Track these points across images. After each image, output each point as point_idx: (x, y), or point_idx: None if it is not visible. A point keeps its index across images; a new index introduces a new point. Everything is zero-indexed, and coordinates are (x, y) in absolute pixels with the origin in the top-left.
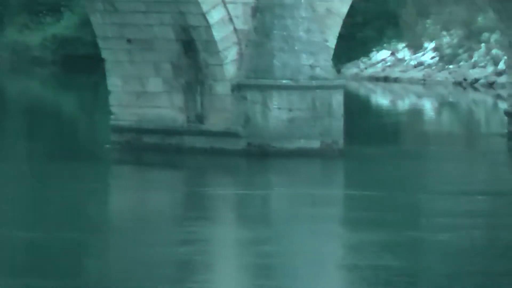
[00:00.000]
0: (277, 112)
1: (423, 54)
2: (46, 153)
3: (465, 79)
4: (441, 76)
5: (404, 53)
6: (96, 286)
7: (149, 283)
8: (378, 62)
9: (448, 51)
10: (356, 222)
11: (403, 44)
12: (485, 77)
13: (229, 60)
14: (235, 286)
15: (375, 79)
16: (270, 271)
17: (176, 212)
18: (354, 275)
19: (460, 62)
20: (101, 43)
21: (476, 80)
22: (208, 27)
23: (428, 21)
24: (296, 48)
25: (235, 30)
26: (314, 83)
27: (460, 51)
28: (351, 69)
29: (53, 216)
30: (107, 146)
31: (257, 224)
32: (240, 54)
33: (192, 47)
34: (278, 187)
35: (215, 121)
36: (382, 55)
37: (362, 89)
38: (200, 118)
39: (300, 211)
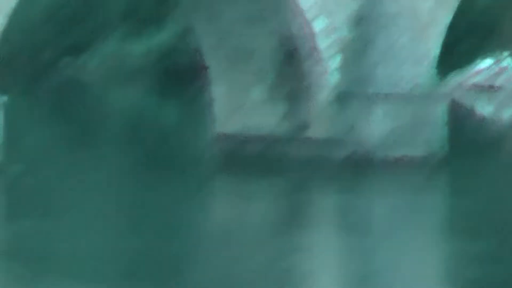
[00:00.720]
0: (381, 121)
1: None
2: (149, 162)
3: None
4: None
5: (508, 61)
6: None
7: None
8: (481, 71)
9: None
10: (467, 231)
11: (507, 53)
12: None
13: (333, 69)
14: None
15: (478, 87)
16: (373, 280)
17: (279, 220)
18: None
19: None
20: (204, 52)
21: None
22: (312, 35)
23: None
24: (399, 57)
25: (339, 38)
26: (417, 92)
27: None
28: (454, 78)
29: (157, 225)
30: (211, 154)
31: (361, 232)
32: (344, 63)
33: (295, 56)
34: (382, 195)
35: (318, 129)
36: (485, 63)
37: (465, 98)
38: (304, 126)
39: (405, 219)
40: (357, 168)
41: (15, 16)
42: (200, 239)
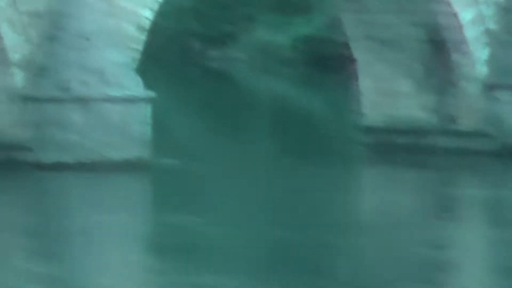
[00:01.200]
0: None
1: None
2: (295, 153)
3: None
4: None
5: None
6: (347, 286)
7: (399, 282)
8: None
9: None
10: None
11: None
12: None
13: (481, 61)
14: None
15: None
16: None
17: (426, 212)
18: None
19: None
20: (352, 43)
21: None
22: (459, 27)
23: None
24: None
25: (487, 30)
26: None
27: None
28: None
29: (305, 216)
30: (359, 146)
31: (510, 225)
32: (492, 55)
33: (443, 47)
34: None
35: (467, 122)
36: None
37: None
38: (452, 119)
39: None
40: (506, 160)
41: (163, 9)
42: (349, 231)
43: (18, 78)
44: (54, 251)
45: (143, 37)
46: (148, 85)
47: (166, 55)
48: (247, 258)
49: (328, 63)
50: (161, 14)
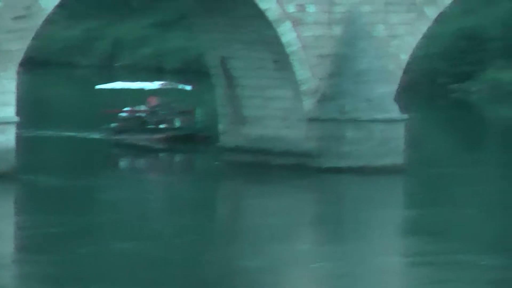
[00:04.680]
0: None
1: None
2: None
3: None
4: None
5: None
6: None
7: None
8: None
9: None
10: None
11: None
12: None
13: None
14: None
15: None
16: None
17: None
18: None
19: None
20: None
21: None
22: None
23: None
24: None
25: None
26: None
27: None
28: None
29: None
30: None
31: None
32: None
33: None
34: None
35: None
36: None
37: None
38: None
39: None
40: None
41: (417, 53)
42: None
43: (306, 103)
44: (340, 235)
45: (400, 73)
46: (404, 109)
47: (418, 88)
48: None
49: None
50: (415, 57)
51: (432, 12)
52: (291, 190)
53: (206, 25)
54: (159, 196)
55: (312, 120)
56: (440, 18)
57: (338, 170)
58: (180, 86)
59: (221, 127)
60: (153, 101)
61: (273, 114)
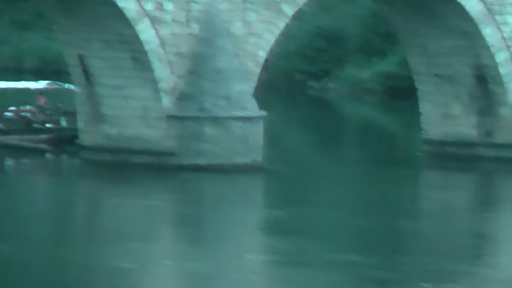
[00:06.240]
0: None
1: None
2: (370, 159)
3: None
4: None
5: None
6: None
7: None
8: None
9: None
10: None
11: None
12: None
13: (511, 90)
14: None
15: None
16: None
17: (470, 206)
18: None
19: None
20: (415, 77)
21: None
22: (495, 65)
23: None
24: None
25: None
26: None
27: None
28: None
29: (380, 207)
30: (419, 154)
31: None
32: None
33: (484, 81)
34: None
35: (500, 136)
36: None
37: None
38: (489, 134)
39: None
40: None
41: (274, 51)
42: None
43: (165, 102)
44: (202, 234)
45: (258, 71)
46: (262, 107)
47: (276, 85)
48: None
49: (399, 92)
50: (273, 55)
51: (289, 10)
52: (152, 189)
53: (65, 24)
54: (18, 197)
55: (171, 118)
56: (298, 16)
57: (197, 168)
58: (66, 86)
59: (80, 125)
60: (41, 100)
61: (132, 113)
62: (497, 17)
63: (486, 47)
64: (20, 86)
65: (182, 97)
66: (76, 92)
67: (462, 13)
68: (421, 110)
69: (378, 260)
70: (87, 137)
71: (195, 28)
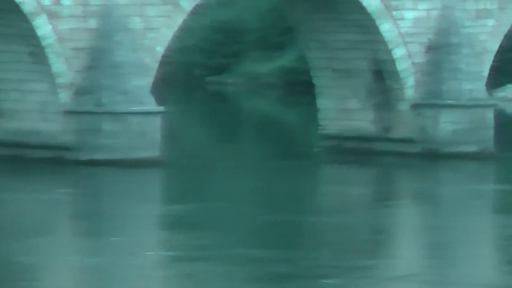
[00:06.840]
0: (444, 125)
1: None
2: (270, 154)
3: None
4: None
5: None
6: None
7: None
8: None
9: None
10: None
11: None
12: None
13: (408, 86)
14: None
15: None
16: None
17: (368, 200)
18: None
19: None
20: (313, 72)
21: None
22: (392, 60)
23: None
24: (458, 76)
25: (413, 63)
26: (471, 102)
27: None
28: (500, 93)
29: (283, 202)
30: (317, 149)
31: (433, 206)
32: (417, 81)
33: (381, 76)
34: (447, 182)
35: (398, 131)
36: None
37: (508, 108)
38: (387, 129)
39: (466, 199)
40: (428, 161)
41: (172, 46)
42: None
43: (62, 96)
44: (101, 229)
45: (156, 66)
46: (161, 102)
47: (175, 80)
48: (244, 235)
49: (297, 87)
50: (171, 50)
51: (187, 5)
52: (49, 184)
53: None
54: None
55: (68, 113)
56: (197, 11)
57: (95, 163)
58: None
59: None
60: None
61: (30, 107)
62: (394, 13)
63: (383, 42)
64: None
65: (80, 92)
66: None
67: (360, 8)
68: (318, 105)
69: (279, 255)
70: None
71: (92, 23)
